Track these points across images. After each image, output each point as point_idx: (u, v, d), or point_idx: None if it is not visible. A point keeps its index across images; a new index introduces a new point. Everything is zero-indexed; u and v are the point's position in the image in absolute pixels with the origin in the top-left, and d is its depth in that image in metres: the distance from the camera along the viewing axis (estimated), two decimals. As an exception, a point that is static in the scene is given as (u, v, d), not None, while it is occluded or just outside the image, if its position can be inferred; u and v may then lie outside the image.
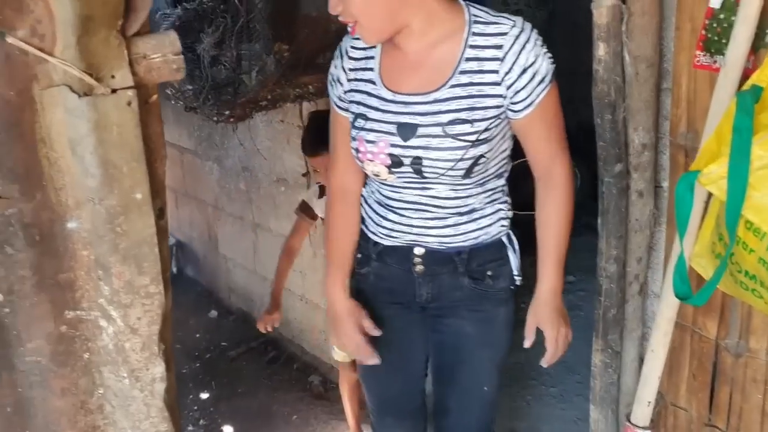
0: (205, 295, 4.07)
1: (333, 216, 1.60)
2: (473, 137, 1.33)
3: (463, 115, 1.32)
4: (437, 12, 1.33)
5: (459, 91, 1.33)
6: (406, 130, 1.36)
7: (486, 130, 1.33)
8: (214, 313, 3.83)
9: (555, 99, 1.35)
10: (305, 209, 2.31)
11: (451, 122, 1.33)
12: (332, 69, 1.52)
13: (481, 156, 1.35)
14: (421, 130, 1.35)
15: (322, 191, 2.24)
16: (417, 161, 1.36)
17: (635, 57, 1.36)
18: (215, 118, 2.47)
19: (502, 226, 1.50)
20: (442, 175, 1.36)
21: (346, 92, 1.47)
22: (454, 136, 1.33)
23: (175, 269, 4.49)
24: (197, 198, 4.01)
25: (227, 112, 2.37)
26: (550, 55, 1.33)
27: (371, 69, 1.43)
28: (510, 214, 1.52)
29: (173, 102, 2.74)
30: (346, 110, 1.48)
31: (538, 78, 1.31)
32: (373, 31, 1.32)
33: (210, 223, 3.95)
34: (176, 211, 4.34)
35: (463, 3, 1.39)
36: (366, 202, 1.59)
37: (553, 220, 1.43)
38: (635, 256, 1.50)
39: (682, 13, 1.31)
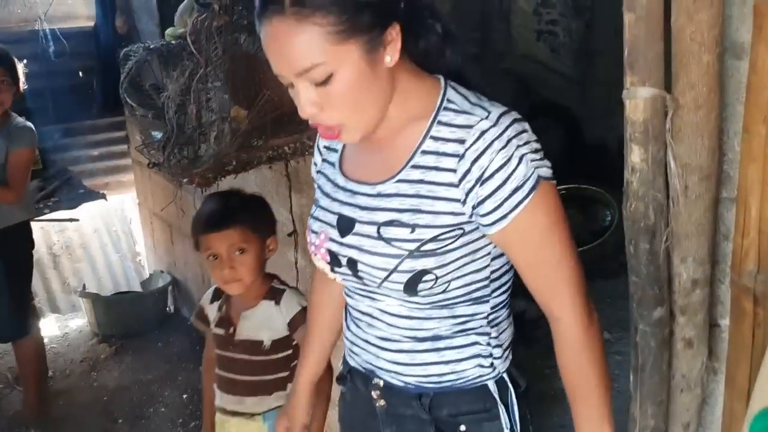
0: (200, 341, 3.77)
1: (312, 292, 1.42)
2: (411, 246, 1.06)
3: (403, 217, 1.07)
4: (411, 91, 1.08)
5: (405, 188, 1.08)
6: (345, 224, 1.14)
7: (433, 240, 1.05)
8: (206, 365, 3.51)
9: (545, 215, 1.03)
10: (200, 317, 1.87)
11: (388, 223, 1.08)
12: (315, 147, 1.31)
13: (425, 271, 1.06)
14: (358, 227, 1.12)
15: (217, 294, 1.83)
16: (352, 264, 1.12)
17: (684, 166, 0.97)
18: (180, 179, 2.13)
19: (482, 367, 1.15)
20: (380, 285, 1.10)
21: (317, 171, 1.27)
22: (388, 241, 1.08)
23: (172, 308, 4.19)
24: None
25: (185, 180, 2.03)
26: (535, 156, 1.02)
27: (336, 150, 1.23)
28: (498, 352, 1.16)
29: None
30: None
31: (510, 186, 1.00)
32: (362, 130, 1.06)
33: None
34: (171, 247, 4.04)
35: (442, 82, 1.09)
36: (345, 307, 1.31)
37: (574, 377, 1.10)
38: (681, 421, 1.11)
39: (753, 108, 0.91)
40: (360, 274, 1.12)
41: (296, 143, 2.04)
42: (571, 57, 4.80)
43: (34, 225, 3.27)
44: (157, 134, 2.62)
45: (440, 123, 1.06)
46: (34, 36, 3.98)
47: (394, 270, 1.06)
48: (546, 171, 1.03)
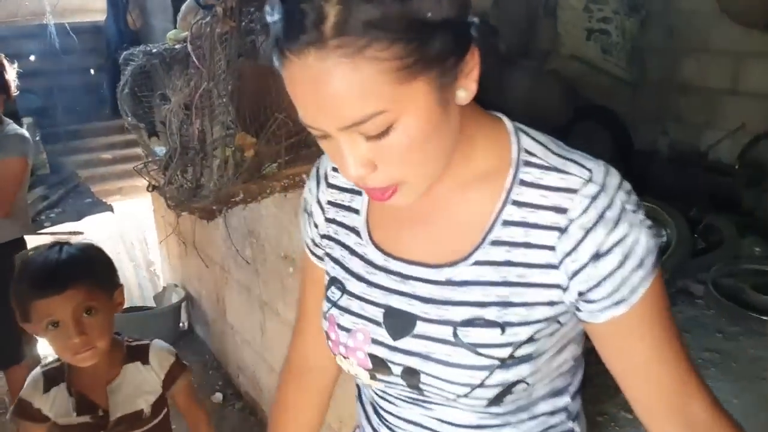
0: (213, 364, 3.49)
1: (278, 405, 1.09)
2: (503, 352, 0.78)
3: (488, 314, 0.78)
4: (477, 137, 0.79)
5: (488, 273, 0.79)
6: (398, 322, 0.83)
7: (529, 341, 0.79)
8: (218, 397, 3.21)
9: (660, 294, 0.78)
10: (23, 412, 1.43)
11: (468, 322, 0.79)
12: (306, 194, 0.97)
13: (519, 382, 0.79)
14: (421, 327, 0.81)
15: (52, 378, 1.43)
16: (411, 374, 0.82)
17: None
18: (178, 211, 1.82)
19: None
20: (453, 400, 0.81)
21: (321, 237, 0.94)
22: (472, 347, 0.78)
23: (186, 324, 3.91)
24: (205, 252, 3.39)
25: (184, 213, 1.72)
26: (649, 222, 0.77)
27: (356, 211, 0.90)
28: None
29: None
30: (321, 259, 0.96)
31: (630, 264, 0.75)
32: (423, 189, 0.76)
33: (218, 284, 3.34)
34: (185, 261, 3.75)
35: (509, 124, 0.81)
36: (360, 397, 1.00)
37: None
38: None
39: None
40: (423, 386, 0.82)
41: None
42: (624, 58, 4.40)
43: (36, 238, 3.00)
44: (160, 150, 2.31)
45: (523, 183, 0.78)
46: (42, 30, 3.70)
47: (480, 385, 0.78)
48: (655, 241, 0.77)
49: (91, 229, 3.44)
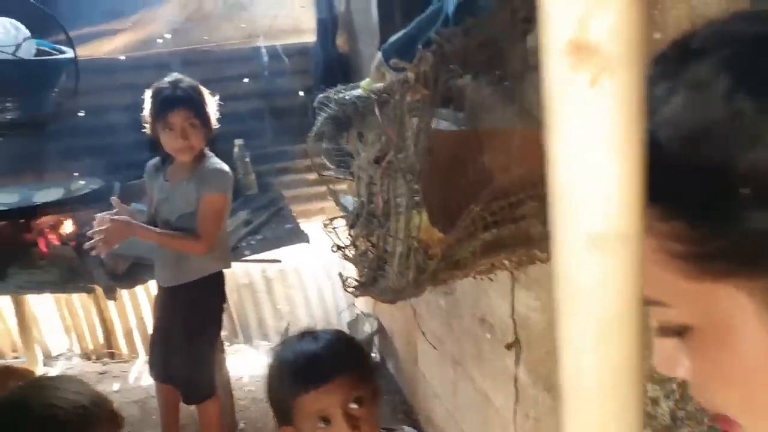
0: (403, 408, 3.29)
1: None
2: None
3: None
4: None
5: None
6: None
7: None
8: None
9: None
10: None
11: None
12: None
13: None
14: None
15: None
16: None
17: None
18: (358, 294, 1.59)
19: None
20: None
21: None
22: None
23: (377, 356, 3.76)
24: (399, 289, 3.19)
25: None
26: None
27: None
28: None
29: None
30: None
31: None
32: None
33: (409, 326, 3.12)
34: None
35: None
36: None
37: None
38: None
39: None
40: None
41: (523, 256, 1.40)
42: None
43: (237, 265, 3.00)
44: (348, 201, 2.12)
45: None
46: (255, 53, 3.72)
47: None
48: None
49: (290, 251, 3.39)
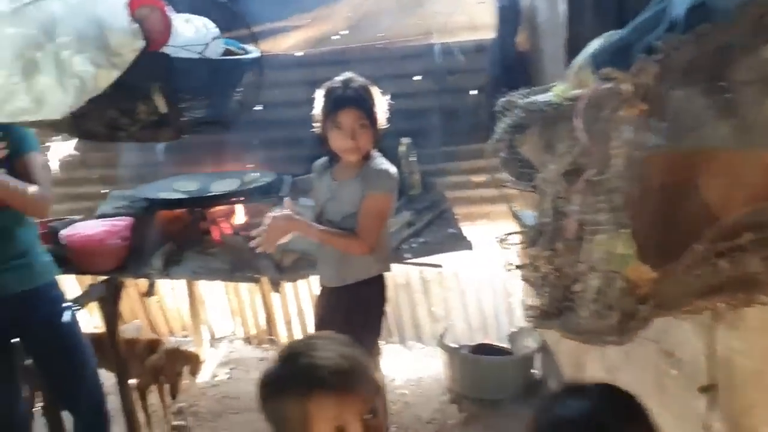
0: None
1: None
2: None
3: None
4: None
5: None
6: None
7: None
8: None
9: None
10: None
11: None
12: None
13: None
14: None
15: None
16: None
17: None
18: (537, 326, 1.44)
19: None
20: None
21: None
22: None
23: (539, 373, 3.57)
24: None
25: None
26: None
27: None
28: None
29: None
30: None
31: None
32: None
33: (579, 346, 2.90)
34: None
35: None
36: None
37: None
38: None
39: None
40: None
41: (742, 300, 1.18)
42: None
43: (397, 267, 2.95)
44: (527, 215, 1.96)
45: None
46: (429, 50, 3.63)
47: None
48: None
49: (452, 256, 3.27)
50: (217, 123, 2.42)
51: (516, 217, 1.95)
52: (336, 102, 2.38)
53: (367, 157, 2.46)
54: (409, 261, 3.01)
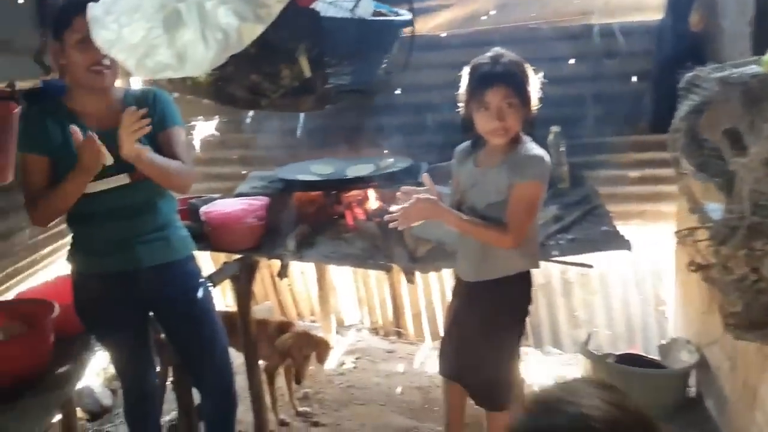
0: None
1: None
2: None
3: None
4: None
5: None
6: None
7: None
8: None
9: None
10: None
11: None
12: None
13: None
14: None
15: None
16: None
17: None
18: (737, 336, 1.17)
19: None
20: None
21: None
22: None
23: (693, 391, 3.20)
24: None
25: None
26: None
27: None
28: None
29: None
30: None
31: None
32: None
33: (749, 365, 2.54)
34: (706, 318, 3.02)
35: None
36: None
37: None
38: None
39: None
40: None
41: None
42: None
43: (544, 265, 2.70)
44: (715, 207, 1.67)
45: None
46: (587, 31, 3.34)
47: None
48: None
49: (598, 257, 2.98)
50: (362, 93, 2.26)
51: (699, 211, 1.68)
52: (482, 79, 2.17)
53: (515, 141, 2.24)
54: (556, 259, 2.76)
